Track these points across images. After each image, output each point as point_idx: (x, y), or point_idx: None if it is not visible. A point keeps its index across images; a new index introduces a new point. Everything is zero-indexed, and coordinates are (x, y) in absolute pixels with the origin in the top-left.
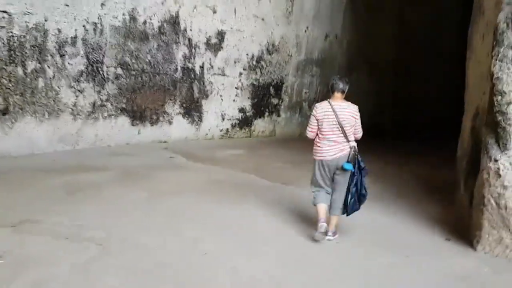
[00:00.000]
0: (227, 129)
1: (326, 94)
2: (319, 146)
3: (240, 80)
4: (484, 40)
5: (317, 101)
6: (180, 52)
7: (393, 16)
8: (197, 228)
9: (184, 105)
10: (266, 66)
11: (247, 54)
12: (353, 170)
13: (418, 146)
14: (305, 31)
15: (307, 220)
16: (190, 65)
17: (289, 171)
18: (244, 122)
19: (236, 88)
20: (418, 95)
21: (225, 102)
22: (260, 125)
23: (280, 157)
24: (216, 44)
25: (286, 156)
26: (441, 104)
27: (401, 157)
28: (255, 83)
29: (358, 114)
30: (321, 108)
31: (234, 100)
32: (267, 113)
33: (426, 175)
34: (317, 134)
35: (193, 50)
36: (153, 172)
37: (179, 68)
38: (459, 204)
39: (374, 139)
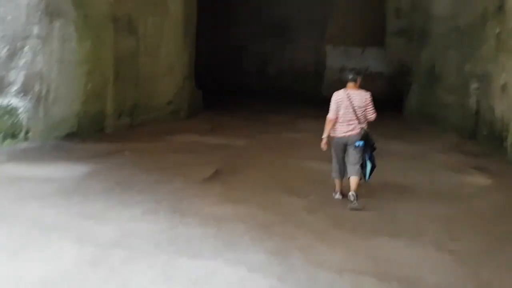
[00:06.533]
0: None
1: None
2: (336, 126)
3: None
4: None
5: None
6: None
7: None
8: None
9: None
10: None
11: None
12: (361, 145)
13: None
14: None
15: None
16: None
17: None
18: None
19: None
20: (147, 68)
21: None
22: None
23: None
24: None
25: None
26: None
27: None
28: None
29: (370, 99)
30: (338, 95)
31: None
32: None
33: None
34: (336, 117)
35: None
36: None
37: None
38: None
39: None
